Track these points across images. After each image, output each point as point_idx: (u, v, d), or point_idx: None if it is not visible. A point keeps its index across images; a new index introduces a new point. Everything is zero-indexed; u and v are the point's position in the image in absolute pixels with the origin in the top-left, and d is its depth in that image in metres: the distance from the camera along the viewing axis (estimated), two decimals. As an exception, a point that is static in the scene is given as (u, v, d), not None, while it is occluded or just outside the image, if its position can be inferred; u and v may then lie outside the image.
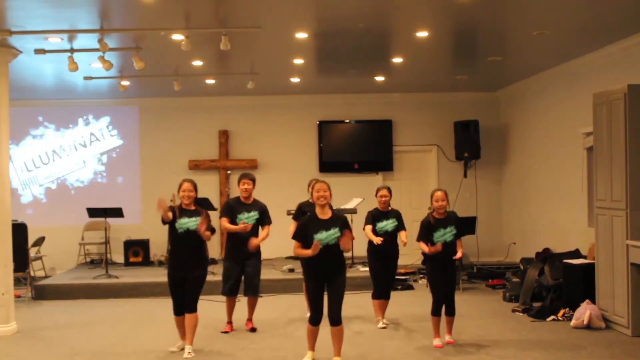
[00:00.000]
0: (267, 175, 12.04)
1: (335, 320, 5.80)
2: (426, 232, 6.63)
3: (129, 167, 12.35)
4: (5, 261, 7.52)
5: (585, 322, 7.17)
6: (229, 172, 11.81)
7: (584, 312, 7.23)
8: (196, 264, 6.41)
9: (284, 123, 12.35)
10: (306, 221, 5.87)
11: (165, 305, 8.94)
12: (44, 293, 9.62)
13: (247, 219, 7.16)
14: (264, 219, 7.33)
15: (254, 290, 7.41)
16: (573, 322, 7.30)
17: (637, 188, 6.82)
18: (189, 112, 12.27)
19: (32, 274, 10.11)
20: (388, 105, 12.35)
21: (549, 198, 10.37)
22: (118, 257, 11.91)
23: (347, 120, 12.38)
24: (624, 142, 6.85)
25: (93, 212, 10.83)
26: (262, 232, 7.35)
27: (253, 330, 7.39)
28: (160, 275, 10.30)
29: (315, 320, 5.87)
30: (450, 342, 6.72)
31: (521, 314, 8.05)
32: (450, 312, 6.73)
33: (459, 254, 6.61)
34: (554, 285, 8.34)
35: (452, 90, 11.99)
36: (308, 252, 5.68)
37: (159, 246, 11.87)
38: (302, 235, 5.78)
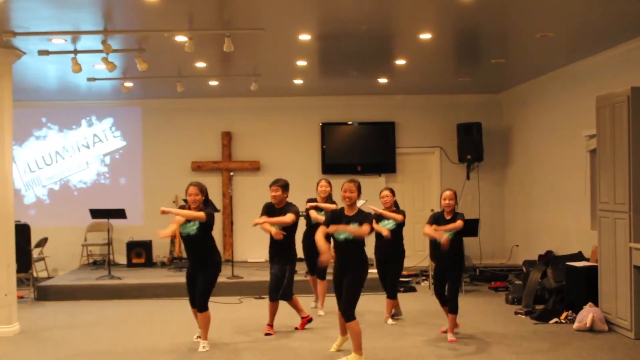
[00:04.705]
0: (270, 177, 11.84)
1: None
2: (435, 222, 6.90)
3: (131, 168, 12.37)
4: (8, 262, 7.54)
5: (587, 325, 7.16)
6: (231, 173, 11.81)
7: (587, 314, 7.22)
8: (202, 265, 6.61)
9: (287, 125, 12.36)
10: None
11: (167, 306, 8.99)
12: (46, 294, 9.63)
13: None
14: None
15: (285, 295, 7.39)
16: (576, 325, 7.28)
17: (641, 191, 6.82)
18: (192, 114, 12.28)
19: (34, 274, 10.12)
20: (391, 107, 12.35)
21: (551, 200, 10.36)
22: (121, 258, 11.92)
23: (350, 122, 12.38)
24: (627, 145, 6.85)
25: (96, 214, 10.85)
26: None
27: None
28: (163, 277, 10.35)
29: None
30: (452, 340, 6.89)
31: (524, 316, 8.03)
32: (452, 310, 6.93)
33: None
34: (557, 288, 8.33)
35: (455, 92, 11.99)
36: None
37: (162, 247, 11.90)
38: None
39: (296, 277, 9.81)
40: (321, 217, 7.37)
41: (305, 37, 7.47)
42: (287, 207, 7.14)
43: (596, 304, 7.40)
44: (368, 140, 12.34)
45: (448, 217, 6.90)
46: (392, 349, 6.58)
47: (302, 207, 8.05)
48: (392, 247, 7.61)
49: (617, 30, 7.41)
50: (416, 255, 11.63)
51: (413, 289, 10.02)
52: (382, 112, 12.35)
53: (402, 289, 9.81)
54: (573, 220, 9.61)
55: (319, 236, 5.92)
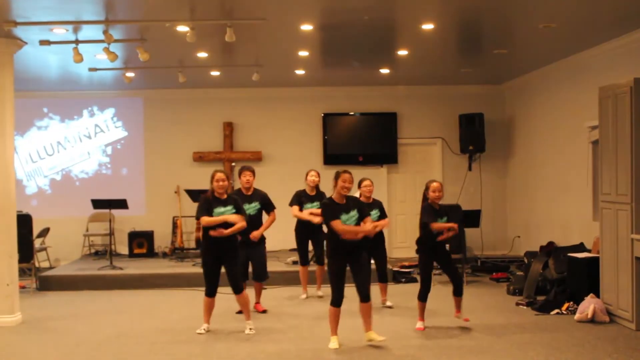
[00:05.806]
0: (272, 168, 12.04)
1: (365, 296, 6.20)
2: (434, 215, 6.89)
3: (133, 158, 12.37)
4: (10, 252, 7.55)
5: (589, 316, 7.17)
6: (233, 164, 11.80)
7: (588, 306, 7.23)
8: (232, 247, 6.87)
9: (289, 115, 12.34)
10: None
11: (169, 297, 9.00)
12: (48, 284, 9.66)
13: (249, 209, 7.51)
14: (267, 207, 7.78)
15: (261, 276, 7.90)
16: (577, 316, 7.29)
17: (643, 182, 6.80)
18: (194, 104, 12.27)
19: (36, 265, 10.14)
20: (393, 98, 12.33)
21: (553, 191, 10.35)
22: (122, 248, 11.94)
23: (352, 113, 12.36)
24: (630, 136, 6.83)
25: (97, 204, 10.86)
26: (267, 219, 7.76)
27: (264, 312, 7.90)
28: (164, 267, 10.37)
29: (337, 302, 6.17)
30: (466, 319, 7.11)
31: (525, 307, 8.04)
32: (458, 292, 7.06)
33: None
34: (558, 279, 8.34)
35: (458, 83, 11.96)
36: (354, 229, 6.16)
37: (163, 238, 11.93)
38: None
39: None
40: (318, 217, 7.55)
41: (307, 27, 7.45)
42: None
43: (597, 295, 7.40)
44: (370, 131, 12.32)
45: (437, 208, 6.96)
46: (394, 339, 6.58)
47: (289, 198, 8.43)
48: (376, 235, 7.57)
49: (621, 21, 7.38)
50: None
51: (414, 280, 10.03)
52: (384, 102, 12.32)
53: (403, 280, 9.84)
54: (575, 212, 9.60)
55: (342, 226, 6.09)
